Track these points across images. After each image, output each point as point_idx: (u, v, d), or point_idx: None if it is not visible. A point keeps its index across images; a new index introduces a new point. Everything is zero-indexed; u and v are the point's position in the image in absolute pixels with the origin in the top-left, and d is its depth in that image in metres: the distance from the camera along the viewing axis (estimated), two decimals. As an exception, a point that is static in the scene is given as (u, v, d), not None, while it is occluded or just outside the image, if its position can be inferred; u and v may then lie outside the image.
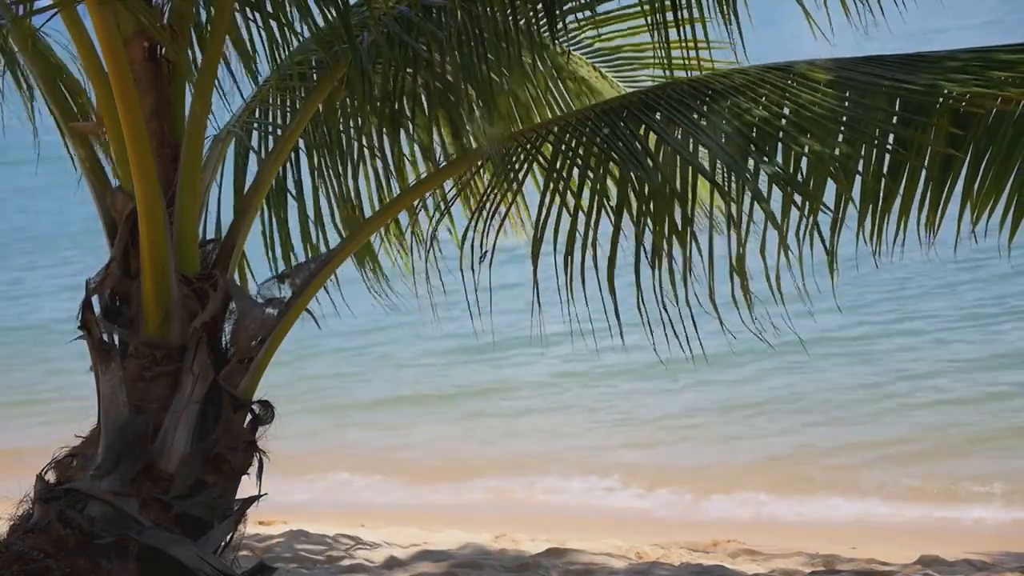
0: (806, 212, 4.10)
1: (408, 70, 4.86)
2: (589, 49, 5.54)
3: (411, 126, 5.08)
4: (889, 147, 4.11)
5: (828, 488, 9.49)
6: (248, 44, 4.60)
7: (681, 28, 4.38)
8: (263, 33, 4.47)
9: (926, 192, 4.16)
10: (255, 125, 5.18)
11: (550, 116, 5.10)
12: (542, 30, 5.02)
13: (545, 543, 7.75)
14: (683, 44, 4.48)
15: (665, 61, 4.71)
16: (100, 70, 3.92)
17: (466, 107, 4.83)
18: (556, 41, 5.15)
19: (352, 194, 5.20)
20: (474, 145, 4.83)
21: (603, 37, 5.48)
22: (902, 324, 13.04)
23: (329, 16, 4.23)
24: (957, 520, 8.69)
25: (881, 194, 4.14)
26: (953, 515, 8.79)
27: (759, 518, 8.98)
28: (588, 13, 5.28)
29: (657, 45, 4.56)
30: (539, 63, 5.02)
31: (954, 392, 11.13)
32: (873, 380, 11.66)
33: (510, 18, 4.63)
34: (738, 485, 9.67)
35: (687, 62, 4.59)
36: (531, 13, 4.81)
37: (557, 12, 4.91)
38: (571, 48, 5.43)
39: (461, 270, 4.53)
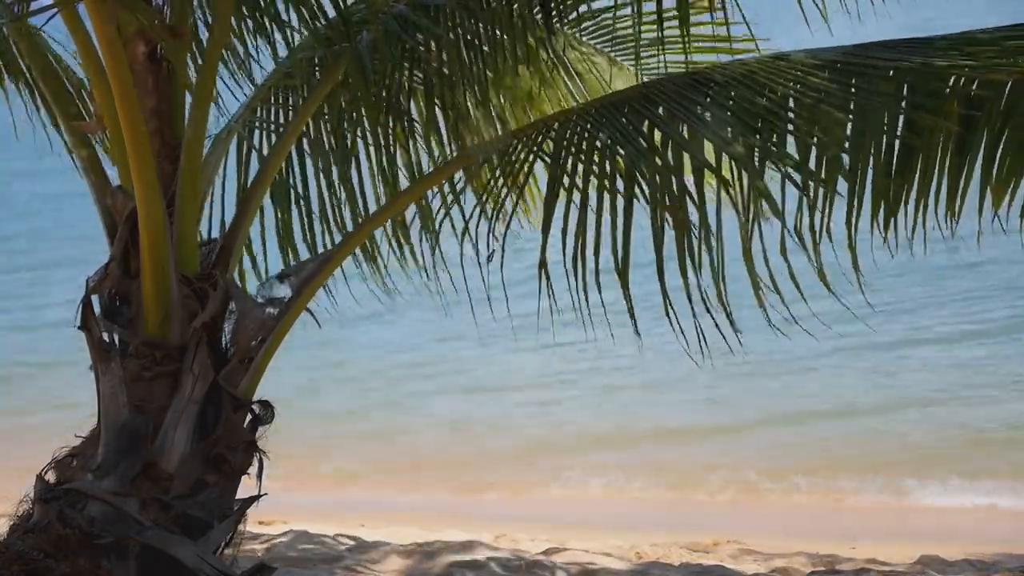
0: (820, 204, 4.03)
1: (406, 66, 4.87)
2: (596, 36, 5.53)
3: (409, 124, 5.09)
4: (899, 134, 4.05)
5: (827, 487, 9.50)
6: (248, 43, 4.60)
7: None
8: (262, 33, 4.47)
9: (942, 180, 4.08)
10: (256, 124, 5.19)
11: (551, 111, 5.10)
12: (538, 20, 5.02)
13: (545, 543, 7.76)
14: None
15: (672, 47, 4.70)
16: (100, 70, 3.91)
17: (463, 103, 4.84)
18: (558, 29, 5.15)
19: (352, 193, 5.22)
20: (472, 142, 4.83)
21: (618, 24, 5.46)
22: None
23: (328, 15, 4.24)
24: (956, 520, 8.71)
25: (892, 184, 4.08)
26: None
27: (760, 518, 8.98)
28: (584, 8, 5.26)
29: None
30: (540, 52, 5.01)
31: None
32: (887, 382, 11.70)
33: (507, 8, 4.65)
34: (739, 485, 9.67)
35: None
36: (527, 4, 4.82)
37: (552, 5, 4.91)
38: (577, 35, 5.42)
39: (461, 267, 4.51)
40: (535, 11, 4.86)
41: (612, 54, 5.54)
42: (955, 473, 9.46)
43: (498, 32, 4.73)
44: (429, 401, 12.38)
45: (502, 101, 5.11)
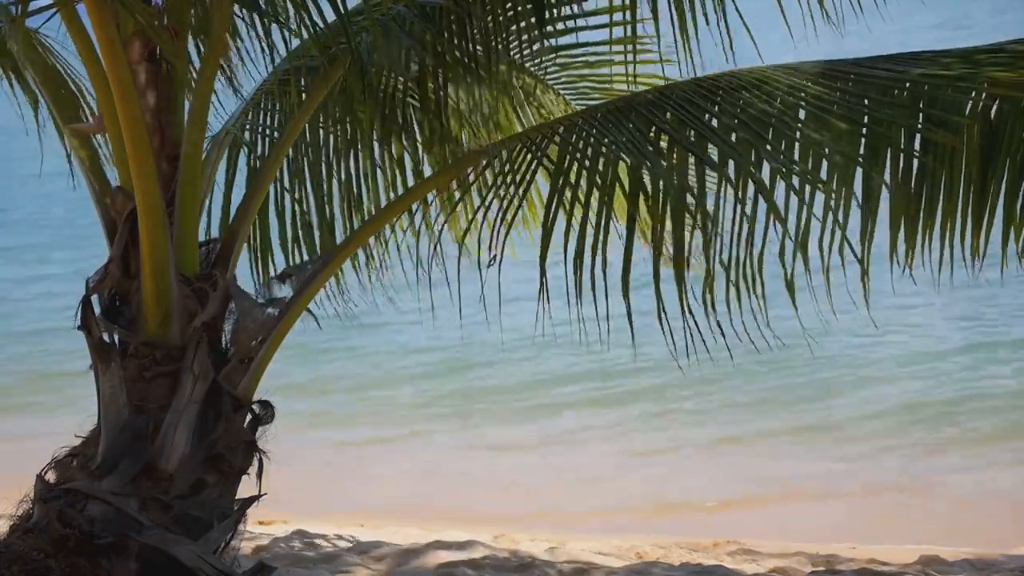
0: (832, 216, 3.98)
1: (398, 74, 4.89)
2: (555, 79, 5.58)
3: (406, 126, 5.11)
4: (917, 153, 3.99)
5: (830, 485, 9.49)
6: (248, 43, 4.61)
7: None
8: (261, 34, 4.47)
9: (967, 205, 4.01)
10: (251, 126, 5.20)
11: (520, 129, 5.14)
12: (524, 48, 5.08)
13: (545, 543, 7.75)
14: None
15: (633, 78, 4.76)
16: (100, 70, 3.92)
17: (457, 109, 4.87)
18: (532, 63, 5.21)
19: (351, 194, 5.25)
20: (465, 149, 4.86)
21: (573, 65, 5.52)
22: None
23: (327, 18, 4.23)
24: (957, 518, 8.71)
25: (911, 206, 4.03)
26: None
27: (759, 517, 8.98)
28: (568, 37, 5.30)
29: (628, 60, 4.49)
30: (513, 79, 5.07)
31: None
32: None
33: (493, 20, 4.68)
34: (739, 485, 9.66)
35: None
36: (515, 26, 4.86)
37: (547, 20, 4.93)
38: (543, 75, 5.49)
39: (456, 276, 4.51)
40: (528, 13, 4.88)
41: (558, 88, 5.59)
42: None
43: (490, 40, 4.76)
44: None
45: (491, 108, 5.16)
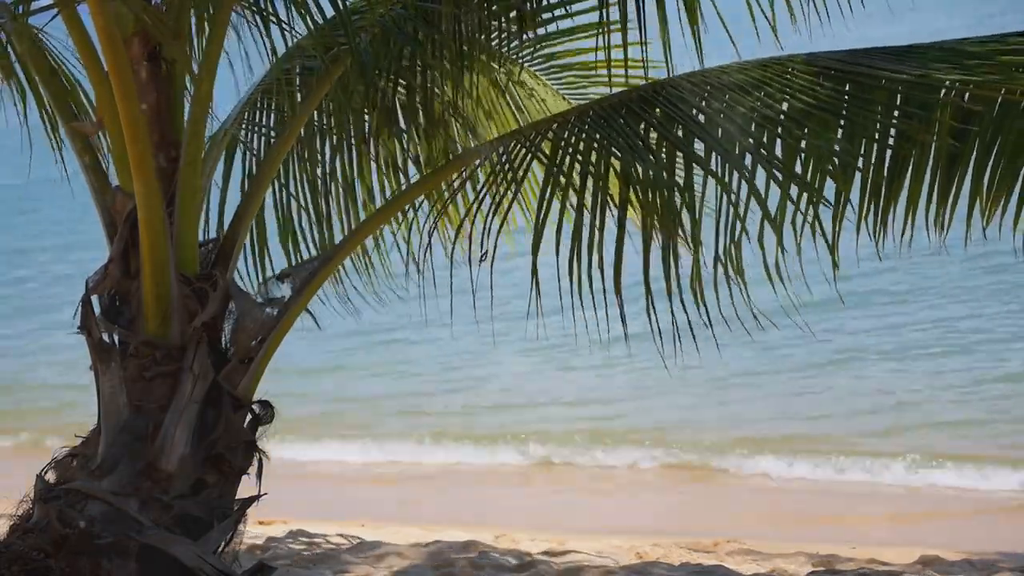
0: (805, 207, 4.08)
1: (392, 77, 4.90)
2: (542, 65, 5.58)
3: (402, 126, 5.12)
4: (891, 143, 4.09)
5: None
6: (248, 41, 4.62)
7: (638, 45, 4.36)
8: (261, 34, 4.48)
9: (932, 188, 4.13)
10: (249, 125, 5.20)
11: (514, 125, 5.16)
12: (504, 42, 5.08)
13: (545, 543, 7.76)
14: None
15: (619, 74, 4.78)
16: (100, 70, 3.92)
17: (447, 111, 4.88)
18: (513, 54, 5.22)
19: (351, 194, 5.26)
20: (459, 150, 4.87)
21: (556, 56, 5.53)
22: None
23: (327, 16, 4.24)
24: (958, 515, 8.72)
25: (883, 190, 4.13)
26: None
27: (759, 515, 8.99)
28: (544, 30, 5.31)
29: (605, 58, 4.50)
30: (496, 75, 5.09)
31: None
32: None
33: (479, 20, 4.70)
34: (739, 483, 9.68)
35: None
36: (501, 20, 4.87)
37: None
38: (525, 63, 5.50)
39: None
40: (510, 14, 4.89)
41: (549, 82, 5.60)
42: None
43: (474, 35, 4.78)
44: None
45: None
